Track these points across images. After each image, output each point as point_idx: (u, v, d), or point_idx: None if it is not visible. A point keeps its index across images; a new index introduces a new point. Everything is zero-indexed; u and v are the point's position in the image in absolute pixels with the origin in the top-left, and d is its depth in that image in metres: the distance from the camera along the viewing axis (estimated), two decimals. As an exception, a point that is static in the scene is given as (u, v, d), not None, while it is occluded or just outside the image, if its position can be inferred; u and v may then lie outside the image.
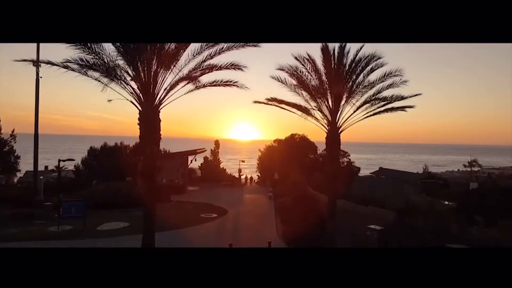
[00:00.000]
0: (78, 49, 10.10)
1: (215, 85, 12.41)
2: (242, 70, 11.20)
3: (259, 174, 45.36)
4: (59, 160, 18.83)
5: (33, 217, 19.16)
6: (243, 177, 42.61)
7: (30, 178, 44.97)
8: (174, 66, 11.35)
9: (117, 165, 32.72)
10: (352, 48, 14.16)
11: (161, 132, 12.20)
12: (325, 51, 13.82)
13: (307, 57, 14.46)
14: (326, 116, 14.40)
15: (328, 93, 14.27)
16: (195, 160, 36.79)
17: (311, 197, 21.01)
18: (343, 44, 13.93)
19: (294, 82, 14.77)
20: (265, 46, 11.86)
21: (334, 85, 14.06)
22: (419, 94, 13.34)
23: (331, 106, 14.34)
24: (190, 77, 10.87)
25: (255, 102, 14.89)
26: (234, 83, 12.47)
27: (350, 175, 35.79)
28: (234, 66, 11.35)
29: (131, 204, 22.42)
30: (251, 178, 43.29)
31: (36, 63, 25.46)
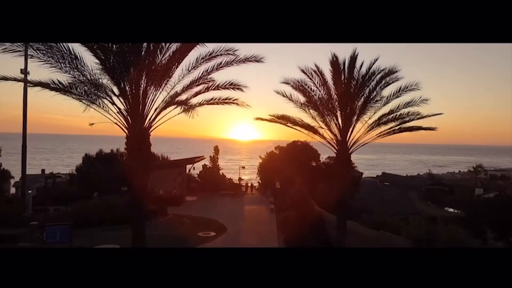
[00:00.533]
0: (54, 67, 8.77)
1: (212, 104, 11.07)
2: (242, 90, 9.86)
3: (259, 181, 44.15)
4: (45, 177, 17.47)
5: (18, 239, 17.81)
6: (243, 181, 41.34)
7: (26, 183, 43.73)
8: (166, 84, 10.01)
9: (113, 174, 31.33)
10: (361, 57, 12.82)
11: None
12: (334, 64, 12.47)
13: (315, 69, 13.12)
14: (335, 135, 13.06)
15: (338, 110, 12.92)
16: (193, 169, 35.49)
17: (317, 217, 19.65)
18: (355, 54, 12.58)
19: (301, 96, 13.44)
20: (268, 57, 10.51)
21: (344, 101, 12.71)
22: (441, 114, 11.99)
23: (340, 124, 12.99)
24: (182, 102, 9.50)
25: (257, 119, 13.54)
26: (233, 100, 11.14)
27: (354, 183, 34.45)
28: (233, 86, 10.02)
29: (127, 220, 20.95)
30: (252, 185, 41.98)
31: (24, 70, 24.17)
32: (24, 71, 22.52)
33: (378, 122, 12.38)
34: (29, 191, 23.86)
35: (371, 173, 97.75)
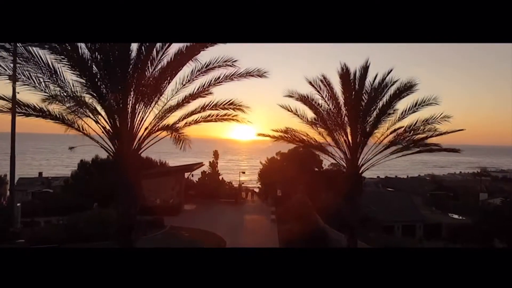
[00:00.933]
0: (26, 84, 7.66)
1: (209, 121, 9.93)
2: (243, 111, 8.73)
3: (259, 186, 43.09)
4: (33, 193, 16.33)
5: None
6: (244, 183, 40.25)
7: (23, 187, 42.53)
8: (157, 102, 8.89)
9: (110, 181, 30.07)
10: (372, 69, 11.69)
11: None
12: (344, 75, 11.34)
13: (322, 79, 11.98)
14: (345, 153, 11.93)
15: (347, 126, 11.78)
16: (192, 176, 34.38)
17: (322, 233, 18.52)
18: (367, 65, 11.46)
19: (307, 109, 12.31)
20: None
21: (354, 116, 11.58)
22: (462, 130, 10.84)
23: (350, 142, 11.85)
24: (171, 128, 8.38)
25: (260, 135, 12.42)
26: (233, 117, 10.02)
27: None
28: (234, 106, 8.89)
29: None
30: (252, 193, 40.83)
31: (13, 76, 23.00)
32: (13, 77, 21.35)
33: (394, 142, 11.22)
34: (18, 204, 22.63)
35: (372, 173, 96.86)
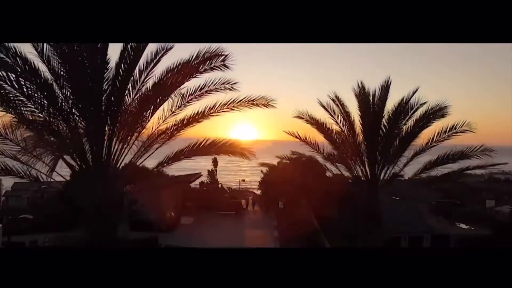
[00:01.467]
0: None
1: (206, 155, 8.29)
2: (249, 159, 7.14)
3: (261, 193, 41.61)
4: (12, 219, 14.73)
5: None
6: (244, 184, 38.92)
7: (18, 193, 40.85)
8: (137, 138, 7.25)
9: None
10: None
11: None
12: (363, 97, 9.68)
13: (335, 99, 10.34)
14: (362, 186, 10.29)
15: (365, 156, 10.15)
16: (190, 187, 32.78)
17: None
18: (388, 84, 9.83)
19: (318, 133, 10.69)
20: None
21: (374, 143, 9.92)
22: (505, 163, 9.21)
23: (368, 172, 10.21)
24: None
25: (262, 164, 10.76)
26: (231, 147, 8.35)
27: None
28: (234, 149, 7.23)
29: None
30: (253, 199, 39.22)
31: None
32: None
33: (421, 176, 9.59)
34: (-1, 225, 20.95)
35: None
